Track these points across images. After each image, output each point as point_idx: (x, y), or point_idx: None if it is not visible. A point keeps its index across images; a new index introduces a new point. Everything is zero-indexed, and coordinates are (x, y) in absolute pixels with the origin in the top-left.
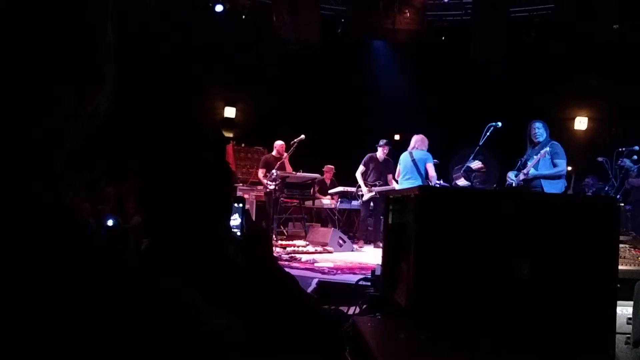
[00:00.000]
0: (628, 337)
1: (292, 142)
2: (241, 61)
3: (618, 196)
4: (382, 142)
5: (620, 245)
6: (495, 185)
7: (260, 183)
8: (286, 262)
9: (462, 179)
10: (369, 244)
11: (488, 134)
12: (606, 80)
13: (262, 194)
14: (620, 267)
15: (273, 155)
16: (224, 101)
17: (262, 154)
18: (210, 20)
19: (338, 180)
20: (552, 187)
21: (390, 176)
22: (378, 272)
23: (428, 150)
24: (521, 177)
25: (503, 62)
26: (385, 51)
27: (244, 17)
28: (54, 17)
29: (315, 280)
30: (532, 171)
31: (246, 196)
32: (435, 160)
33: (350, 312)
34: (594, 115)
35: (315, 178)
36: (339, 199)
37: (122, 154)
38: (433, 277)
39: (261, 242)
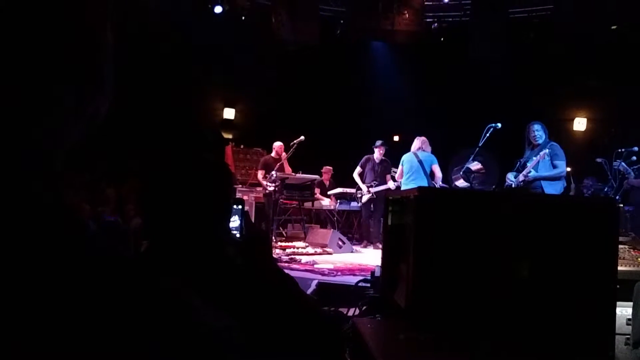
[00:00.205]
0: (628, 338)
1: (291, 144)
2: (240, 62)
3: (617, 197)
4: (378, 142)
5: (620, 246)
6: (494, 187)
7: (259, 184)
8: (286, 264)
9: (461, 180)
10: (370, 245)
11: (488, 135)
12: (605, 81)
13: (261, 195)
14: (619, 268)
15: (272, 157)
16: (223, 102)
17: (261, 155)
18: (209, 22)
19: (336, 181)
20: (552, 188)
21: (388, 176)
22: (378, 274)
23: (431, 152)
24: (521, 178)
25: (502, 62)
26: (384, 52)
27: (243, 18)
28: (53, 18)
29: (314, 282)
30: (532, 173)
31: (245, 197)
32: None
33: (350, 313)
34: (593, 116)
35: (315, 179)
36: (338, 200)
37: (122, 155)
38: (433, 278)
39: (260, 243)
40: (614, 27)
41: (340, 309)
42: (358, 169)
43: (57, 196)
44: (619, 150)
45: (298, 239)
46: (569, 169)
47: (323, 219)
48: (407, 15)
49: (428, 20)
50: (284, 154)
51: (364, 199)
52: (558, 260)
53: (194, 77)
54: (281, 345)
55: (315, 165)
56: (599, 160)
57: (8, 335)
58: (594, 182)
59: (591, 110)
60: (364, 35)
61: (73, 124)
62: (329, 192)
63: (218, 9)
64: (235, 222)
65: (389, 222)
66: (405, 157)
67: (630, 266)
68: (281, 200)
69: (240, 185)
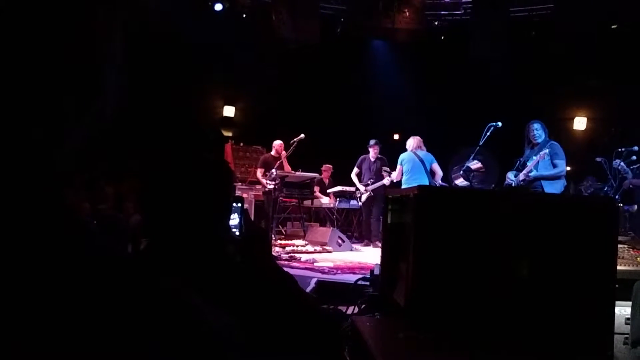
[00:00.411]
0: (626, 337)
1: (291, 142)
2: (241, 60)
3: (617, 197)
4: (371, 142)
5: (619, 246)
6: (493, 185)
7: (259, 182)
8: (286, 262)
9: (461, 178)
10: (370, 243)
11: (488, 134)
12: (605, 81)
13: (260, 193)
14: (618, 268)
15: (272, 155)
16: (223, 100)
17: (261, 153)
18: (209, 20)
19: (336, 180)
20: (552, 188)
21: (385, 173)
22: (377, 272)
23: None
24: (521, 177)
25: (502, 62)
26: (385, 51)
27: (244, 16)
28: (52, 18)
29: (314, 280)
30: (533, 172)
31: (245, 195)
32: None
33: (349, 311)
34: (593, 116)
35: (314, 177)
36: (338, 199)
37: (121, 153)
38: (432, 277)
39: (260, 241)
40: (614, 27)
41: (340, 307)
42: (355, 170)
43: (58, 196)
44: (619, 149)
45: (297, 237)
46: (568, 168)
47: (322, 217)
48: (407, 14)
49: (429, 18)
50: (283, 152)
51: (363, 198)
52: (557, 259)
53: (194, 75)
54: (280, 344)
55: (314, 164)
56: (598, 159)
57: (8, 335)
58: (594, 181)
59: (591, 109)
60: (365, 34)
61: (73, 124)
62: (328, 191)
63: (218, 7)
64: (234, 220)
65: (389, 221)
66: (406, 157)
67: (629, 265)
68: (281, 198)
69: (239, 183)
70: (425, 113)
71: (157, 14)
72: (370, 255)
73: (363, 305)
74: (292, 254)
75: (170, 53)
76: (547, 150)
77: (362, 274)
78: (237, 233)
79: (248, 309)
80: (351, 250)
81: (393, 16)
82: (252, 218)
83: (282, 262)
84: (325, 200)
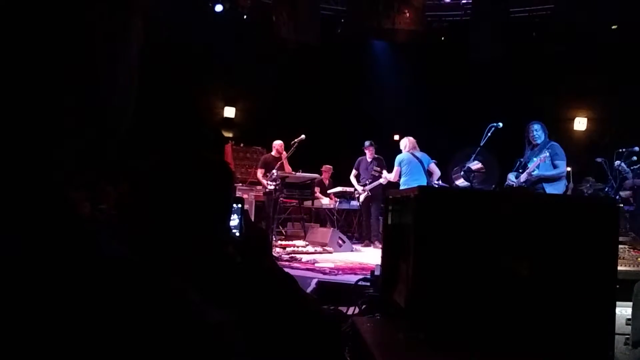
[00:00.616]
0: (627, 338)
1: (292, 142)
2: (241, 61)
3: (617, 197)
4: (366, 143)
5: (620, 246)
6: (494, 186)
7: (259, 183)
8: (286, 263)
9: (462, 179)
10: (370, 244)
11: (489, 134)
12: (606, 81)
13: (261, 194)
14: (619, 268)
15: (272, 155)
16: (223, 101)
17: (261, 153)
18: (210, 20)
19: (336, 180)
20: (553, 189)
21: (375, 172)
22: (377, 273)
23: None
24: (523, 178)
25: (503, 62)
26: (385, 51)
27: (244, 17)
28: (51, 19)
29: (314, 281)
30: (536, 171)
31: (245, 196)
32: (434, 161)
33: (350, 312)
34: (594, 116)
35: (315, 178)
36: (338, 199)
37: (121, 153)
38: (432, 278)
39: (260, 242)
40: (614, 27)
41: (340, 308)
42: (354, 172)
43: (60, 196)
44: (620, 150)
45: (298, 237)
46: (569, 169)
47: (322, 217)
48: (407, 15)
49: (429, 19)
50: (284, 152)
51: (361, 198)
52: (558, 260)
53: (194, 75)
54: (281, 344)
55: (315, 164)
56: (599, 160)
57: (9, 335)
58: (594, 182)
59: (592, 109)
60: (365, 34)
61: (74, 125)
62: (328, 191)
63: (219, 8)
64: (234, 220)
65: (389, 222)
66: (404, 158)
67: (630, 266)
68: (281, 199)
69: (240, 184)
70: (426, 114)
71: (157, 14)
72: (370, 256)
73: (363, 306)
74: (292, 255)
75: (171, 54)
76: (547, 154)
77: (362, 274)
78: (238, 234)
79: (248, 309)
80: (352, 250)
81: (393, 17)
82: (253, 219)
83: (283, 262)
84: (325, 201)
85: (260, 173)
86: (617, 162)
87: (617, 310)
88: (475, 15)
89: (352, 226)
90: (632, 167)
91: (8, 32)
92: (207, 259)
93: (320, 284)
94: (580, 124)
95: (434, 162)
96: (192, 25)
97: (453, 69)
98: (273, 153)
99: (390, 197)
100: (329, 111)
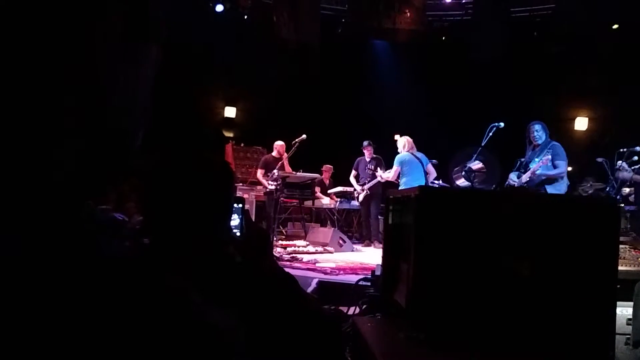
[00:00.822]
0: (628, 338)
1: (293, 142)
2: (242, 61)
3: (618, 197)
4: (364, 143)
5: (620, 246)
6: (494, 186)
7: (259, 183)
8: (287, 262)
9: (463, 179)
10: (371, 244)
11: (490, 134)
12: (606, 81)
13: (261, 194)
14: (620, 268)
15: (273, 156)
16: (224, 101)
17: (262, 154)
18: (210, 21)
19: (336, 180)
20: (555, 190)
21: (370, 171)
22: (378, 273)
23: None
24: (524, 178)
25: (503, 62)
26: (386, 51)
27: (245, 17)
28: (50, 19)
29: (315, 280)
30: (539, 171)
31: (245, 196)
32: (433, 161)
33: (351, 312)
34: (594, 116)
35: (315, 178)
36: (338, 199)
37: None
38: (433, 278)
39: (260, 242)
40: (615, 27)
41: (341, 308)
42: (353, 172)
43: (62, 196)
44: (621, 150)
45: (298, 237)
46: (570, 169)
47: (323, 217)
48: (408, 14)
49: (429, 19)
50: (285, 153)
51: (361, 197)
52: (559, 260)
53: (195, 75)
54: (281, 344)
55: (315, 164)
56: (599, 160)
57: (10, 335)
58: (594, 182)
59: (592, 109)
60: (365, 34)
61: (74, 125)
62: (329, 191)
63: (219, 8)
64: (235, 220)
65: (390, 221)
66: (405, 158)
67: (630, 266)
68: (281, 199)
69: (240, 184)
70: (426, 113)
71: (157, 14)
72: (371, 256)
73: (364, 306)
74: (294, 255)
75: (172, 54)
76: (549, 156)
77: (363, 274)
78: (238, 234)
79: (249, 309)
80: (352, 250)
81: (394, 17)
82: (253, 219)
83: (284, 262)
84: (326, 201)
85: (260, 173)
86: (619, 163)
87: (618, 310)
88: (476, 15)
89: (352, 226)
90: (633, 167)
91: (8, 32)
92: (207, 258)
93: (320, 283)
94: (580, 124)
95: (432, 162)
96: (192, 25)
97: (453, 69)
98: (274, 154)
99: (391, 197)
100: (329, 111)
